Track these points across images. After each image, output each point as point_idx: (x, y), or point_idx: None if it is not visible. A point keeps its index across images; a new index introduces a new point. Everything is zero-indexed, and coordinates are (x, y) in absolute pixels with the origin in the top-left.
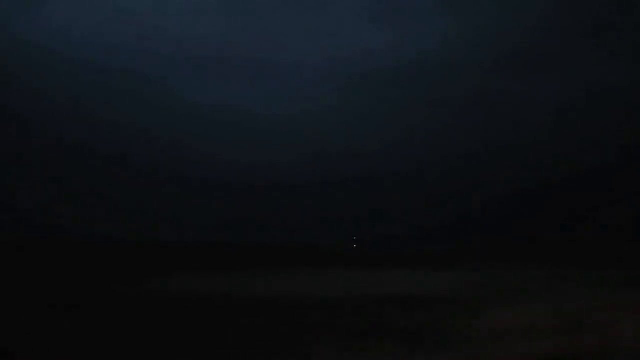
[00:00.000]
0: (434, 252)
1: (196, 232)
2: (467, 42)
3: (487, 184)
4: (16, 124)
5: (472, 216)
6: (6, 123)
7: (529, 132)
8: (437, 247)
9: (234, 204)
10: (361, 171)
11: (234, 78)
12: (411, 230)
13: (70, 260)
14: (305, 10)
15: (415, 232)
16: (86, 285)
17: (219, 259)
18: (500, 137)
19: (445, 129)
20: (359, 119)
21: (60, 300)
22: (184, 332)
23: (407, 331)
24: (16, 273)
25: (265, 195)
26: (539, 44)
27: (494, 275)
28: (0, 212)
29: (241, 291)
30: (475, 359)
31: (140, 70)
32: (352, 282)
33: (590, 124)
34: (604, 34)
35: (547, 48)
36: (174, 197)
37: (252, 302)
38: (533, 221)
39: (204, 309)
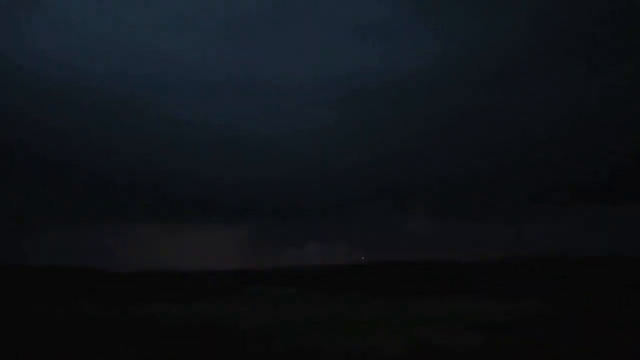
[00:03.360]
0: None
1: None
2: (455, 59)
3: (478, 197)
4: None
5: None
6: None
7: (518, 145)
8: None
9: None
10: (352, 187)
11: (223, 96)
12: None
13: None
14: (296, 29)
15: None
16: None
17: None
18: (490, 150)
19: (436, 145)
20: (350, 136)
21: None
22: None
23: None
24: None
25: (255, 211)
26: (525, 59)
27: None
28: None
29: None
30: None
31: (133, 93)
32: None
33: (581, 140)
34: (591, 47)
35: (534, 63)
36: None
37: None
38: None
39: None
